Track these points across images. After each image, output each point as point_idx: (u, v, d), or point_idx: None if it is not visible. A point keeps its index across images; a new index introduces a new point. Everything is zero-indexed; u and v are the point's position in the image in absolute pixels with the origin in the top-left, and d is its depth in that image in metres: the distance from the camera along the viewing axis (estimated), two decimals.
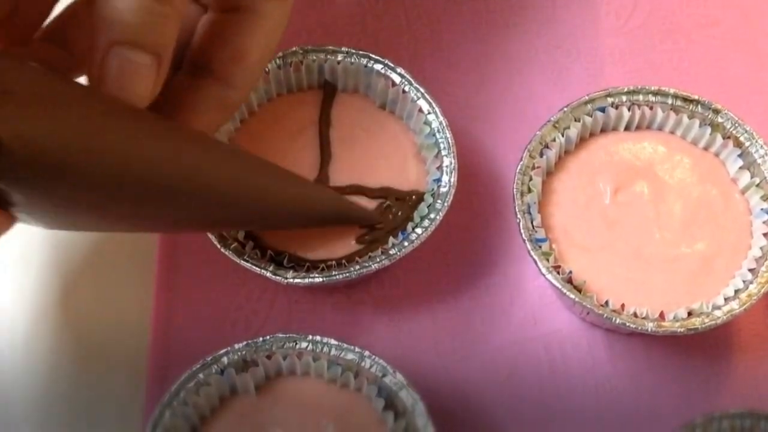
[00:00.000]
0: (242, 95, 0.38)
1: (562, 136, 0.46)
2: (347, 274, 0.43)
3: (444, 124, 0.46)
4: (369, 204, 0.46)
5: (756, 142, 0.45)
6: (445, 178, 0.45)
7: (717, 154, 0.47)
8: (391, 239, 0.44)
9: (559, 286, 0.42)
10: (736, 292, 0.43)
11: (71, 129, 0.29)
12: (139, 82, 0.32)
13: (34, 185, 0.29)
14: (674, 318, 0.42)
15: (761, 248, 0.43)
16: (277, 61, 0.47)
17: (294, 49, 0.47)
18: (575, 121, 0.46)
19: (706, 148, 0.47)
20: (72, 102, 0.30)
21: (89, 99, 0.31)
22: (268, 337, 0.41)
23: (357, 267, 0.43)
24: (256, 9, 0.38)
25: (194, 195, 0.35)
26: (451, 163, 0.45)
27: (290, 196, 0.41)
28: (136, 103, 0.33)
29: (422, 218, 0.44)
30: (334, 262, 0.44)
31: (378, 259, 0.43)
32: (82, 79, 0.34)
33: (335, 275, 0.43)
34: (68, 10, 0.40)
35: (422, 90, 0.47)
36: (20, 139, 0.28)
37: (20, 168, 0.28)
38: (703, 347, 0.46)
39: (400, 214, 0.45)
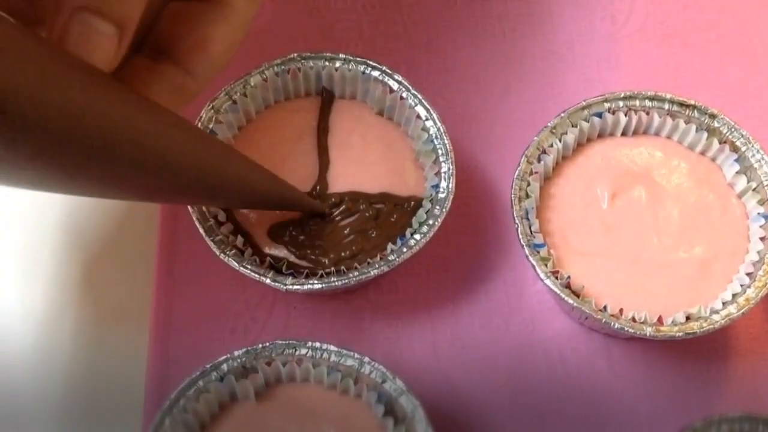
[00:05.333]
0: (200, 85, 0.38)
1: (560, 141, 0.46)
2: (346, 281, 0.43)
3: (442, 131, 0.46)
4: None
5: (752, 146, 0.45)
6: (443, 184, 0.45)
7: (713, 159, 0.47)
8: (390, 245, 0.44)
9: (558, 291, 0.42)
10: (734, 296, 0.43)
11: (28, 78, 0.29)
12: (99, 51, 0.32)
13: None
14: (672, 322, 0.42)
15: (758, 252, 0.44)
16: (275, 68, 0.47)
17: (292, 56, 0.48)
18: (572, 126, 0.46)
19: (702, 153, 0.47)
20: (30, 51, 0.30)
21: (48, 51, 0.31)
22: (267, 343, 0.41)
23: (356, 273, 0.43)
24: (226, 2, 0.38)
25: (139, 157, 0.34)
26: (449, 169, 0.45)
27: (234, 172, 0.40)
28: None
29: (421, 224, 0.45)
30: (333, 269, 0.44)
31: (377, 266, 0.43)
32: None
33: (334, 282, 0.43)
34: None
35: (420, 96, 0.47)
36: None
37: None
38: (702, 351, 0.46)
39: (398, 219, 0.46)
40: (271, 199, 0.43)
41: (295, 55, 0.48)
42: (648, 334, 0.42)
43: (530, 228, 0.44)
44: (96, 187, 0.36)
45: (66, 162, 0.32)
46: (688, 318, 0.43)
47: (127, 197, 0.41)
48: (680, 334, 0.42)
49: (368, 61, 0.47)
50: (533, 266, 0.43)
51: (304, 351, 0.41)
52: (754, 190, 0.45)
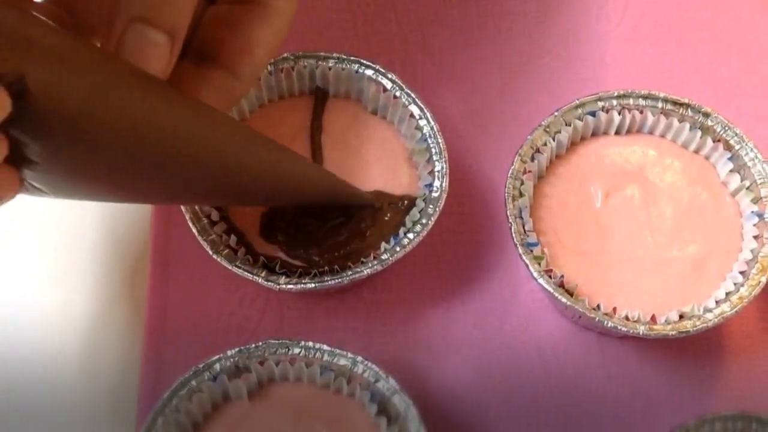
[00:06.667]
0: (246, 87, 0.39)
1: (553, 140, 0.46)
2: (339, 280, 0.43)
3: (435, 129, 0.46)
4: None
5: (746, 145, 0.45)
6: (436, 183, 0.45)
7: (707, 158, 0.47)
8: (384, 244, 0.44)
9: (551, 290, 0.42)
10: (727, 294, 0.43)
11: (93, 83, 0.30)
12: (155, 61, 0.33)
13: (51, 137, 0.29)
14: (666, 321, 0.42)
15: (752, 251, 0.44)
16: (269, 67, 0.47)
17: (285, 55, 0.47)
18: (566, 125, 0.46)
19: (696, 152, 0.47)
20: (91, 59, 0.31)
21: (108, 59, 0.32)
22: (260, 343, 0.41)
23: (349, 272, 0.43)
24: (267, 3, 0.38)
25: (205, 161, 0.35)
26: (442, 168, 0.45)
27: (289, 171, 0.41)
28: None
29: (414, 223, 0.45)
30: (326, 268, 0.44)
31: (370, 265, 0.43)
32: None
33: (327, 281, 0.43)
34: None
35: (413, 95, 0.47)
36: (44, 86, 0.28)
37: (42, 117, 0.28)
38: (695, 350, 0.46)
39: (392, 218, 0.45)
40: (325, 194, 0.44)
41: (289, 54, 0.48)
42: (641, 333, 0.42)
43: (524, 227, 0.44)
44: (163, 194, 0.37)
45: (134, 169, 0.33)
46: (681, 316, 0.43)
47: (192, 202, 0.43)
48: (673, 332, 0.42)
49: (361, 60, 0.47)
50: (526, 265, 0.43)
51: (297, 350, 0.41)
52: (747, 188, 0.45)
